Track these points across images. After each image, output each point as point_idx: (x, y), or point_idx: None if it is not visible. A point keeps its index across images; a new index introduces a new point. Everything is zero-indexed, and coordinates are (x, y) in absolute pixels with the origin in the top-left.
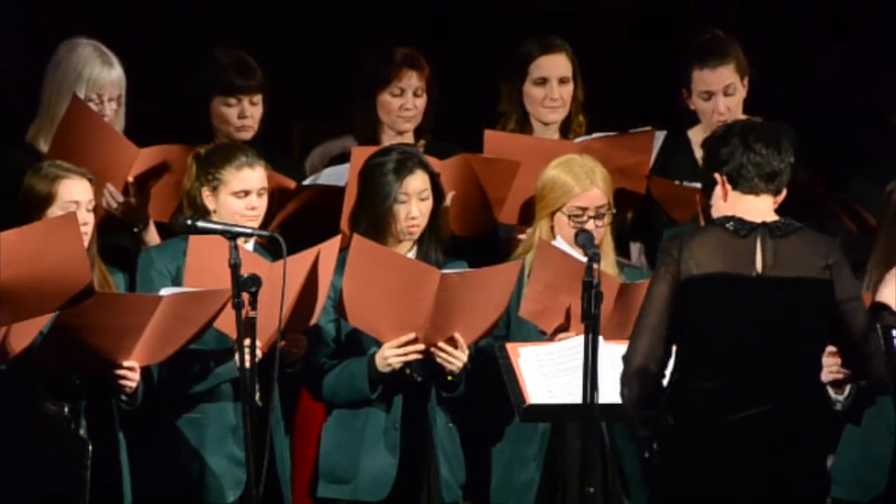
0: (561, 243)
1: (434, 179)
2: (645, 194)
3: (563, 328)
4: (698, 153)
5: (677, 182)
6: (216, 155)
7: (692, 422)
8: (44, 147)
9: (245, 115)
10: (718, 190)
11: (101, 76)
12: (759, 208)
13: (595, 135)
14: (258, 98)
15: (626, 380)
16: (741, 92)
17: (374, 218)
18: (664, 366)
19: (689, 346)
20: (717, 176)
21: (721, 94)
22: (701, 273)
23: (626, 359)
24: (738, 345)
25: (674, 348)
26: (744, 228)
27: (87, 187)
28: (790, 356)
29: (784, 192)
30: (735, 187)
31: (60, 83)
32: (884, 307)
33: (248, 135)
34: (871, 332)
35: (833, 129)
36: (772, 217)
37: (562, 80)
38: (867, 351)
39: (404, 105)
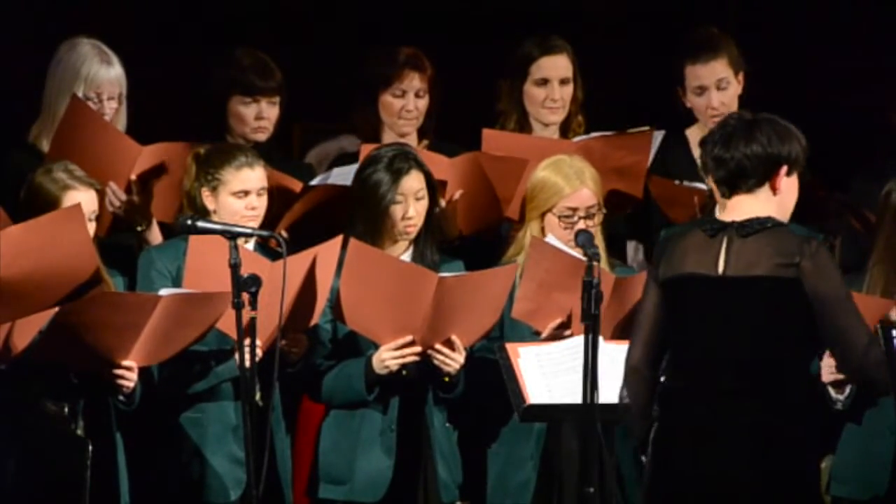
0: (553, 241)
1: (430, 179)
2: (642, 195)
3: (565, 325)
4: (696, 152)
5: (677, 182)
6: (215, 155)
7: (665, 420)
8: (46, 147)
9: (262, 116)
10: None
11: (98, 74)
12: (743, 208)
13: (593, 134)
14: (276, 99)
15: (624, 381)
16: (735, 87)
17: (370, 218)
18: (660, 367)
19: (672, 344)
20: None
21: (714, 88)
22: (672, 275)
23: (626, 361)
24: (702, 344)
25: None
26: (713, 229)
27: (93, 197)
28: (754, 355)
29: (774, 181)
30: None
31: (60, 82)
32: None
33: (263, 136)
34: (856, 330)
35: (833, 129)
36: (749, 215)
37: (563, 81)
38: (853, 348)
39: (406, 106)
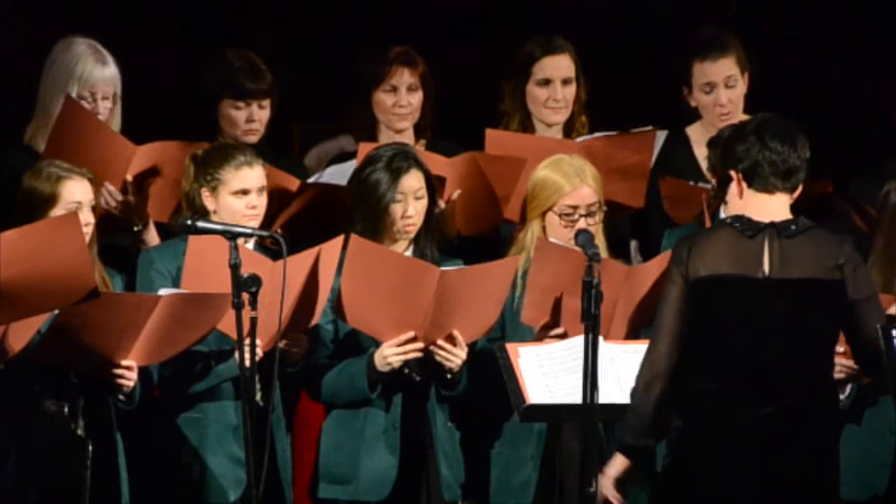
0: (557, 243)
1: (429, 178)
2: (645, 194)
3: (549, 325)
4: (697, 150)
5: (691, 183)
6: (214, 155)
7: (698, 422)
8: (42, 147)
9: (253, 118)
10: (734, 187)
11: (93, 74)
12: (773, 207)
13: (596, 134)
14: (266, 102)
15: (639, 386)
16: (742, 86)
17: (370, 217)
18: (667, 371)
19: (696, 348)
20: (732, 173)
21: (722, 85)
22: (708, 274)
23: (647, 365)
24: (744, 346)
25: None
26: (751, 229)
27: (89, 187)
28: (797, 357)
29: (800, 189)
30: (750, 185)
31: (55, 82)
32: None
33: (253, 138)
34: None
35: (833, 129)
36: (784, 216)
37: (565, 81)
38: (880, 350)
39: (398, 102)
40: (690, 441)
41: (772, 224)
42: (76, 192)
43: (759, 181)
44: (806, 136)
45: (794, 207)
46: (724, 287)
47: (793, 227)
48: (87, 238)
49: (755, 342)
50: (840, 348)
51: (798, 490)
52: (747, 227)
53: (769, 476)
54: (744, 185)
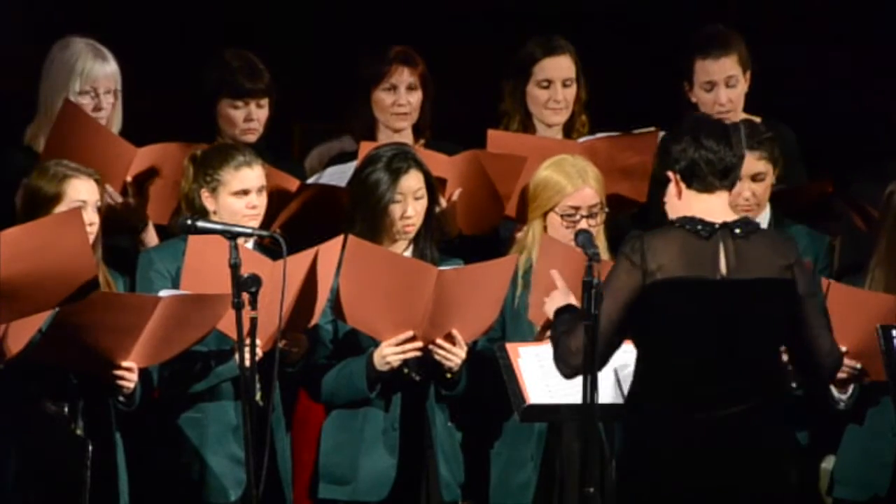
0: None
1: (428, 178)
2: (646, 198)
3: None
4: None
5: None
6: (213, 156)
7: (655, 423)
8: (42, 148)
9: (251, 118)
10: (672, 188)
11: (94, 69)
12: (717, 207)
13: (598, 135)
14: (265, 101)
15: (560, 357)
16: (742, 85)
17: (369, 217)
18: (604, 361)
19: (653, 349)
20: (669, 174)
21: (723, 84)
22: (665, 277)
23: (569, 340)
24: (702, 347)
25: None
26: (705, 230)
27: (94, 187)
28: (754, 357)
29: (737, 187)
30: (689, 185)
31: (55, 81)
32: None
33: (252, 137)
34: (824, 331)
35: (834, 129)
36: (730, 215)
37: (566, 82)
38: (819, 349)
39: (397, 101)
40: (649, 442)
41: (725, 225)
42: (81, 191)
43: (697, 181)
44: (741, 135)
45: (795, 208)
46: (681, 290)
47: (745, 227)
48: (92, 238)
49: (714, 344)
50: (843, 348)
51: (761, 487)
52: (702, 229)
53: (731, 475)
54: (682, 185)
